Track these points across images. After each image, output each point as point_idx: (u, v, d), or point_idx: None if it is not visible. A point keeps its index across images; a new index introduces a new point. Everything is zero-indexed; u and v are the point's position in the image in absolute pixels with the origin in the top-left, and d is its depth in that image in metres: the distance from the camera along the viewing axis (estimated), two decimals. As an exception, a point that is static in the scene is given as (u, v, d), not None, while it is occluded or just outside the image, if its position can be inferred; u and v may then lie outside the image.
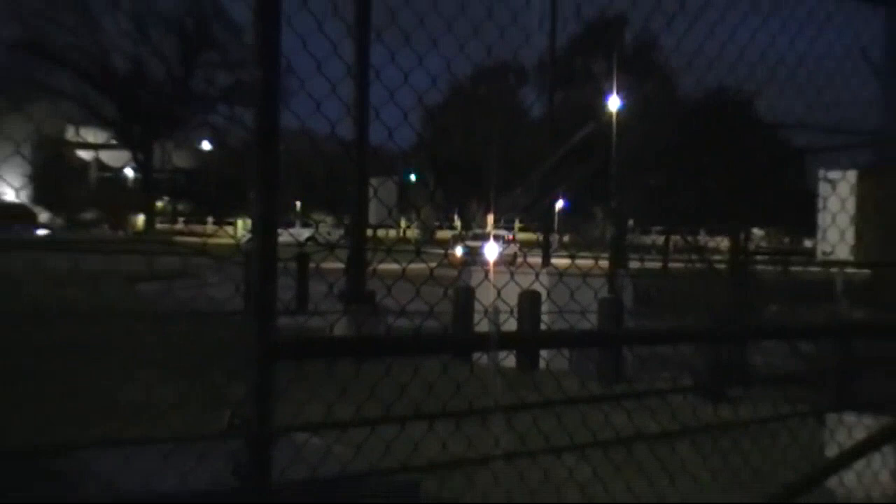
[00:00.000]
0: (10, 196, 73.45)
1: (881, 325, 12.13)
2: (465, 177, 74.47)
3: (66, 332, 20.06)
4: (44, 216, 78.92)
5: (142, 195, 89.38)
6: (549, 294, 20.16)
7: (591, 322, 18.53)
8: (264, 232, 3.48)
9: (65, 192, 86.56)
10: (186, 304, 28.24)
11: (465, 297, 21.77)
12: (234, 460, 3.54)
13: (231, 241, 67.71)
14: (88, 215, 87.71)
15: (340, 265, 24.82)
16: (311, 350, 3.89)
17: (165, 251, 49.81)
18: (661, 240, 67.73)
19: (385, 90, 4.54)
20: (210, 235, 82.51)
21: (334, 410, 8.88)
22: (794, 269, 29.07)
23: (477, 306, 21.44)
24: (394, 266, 5.58)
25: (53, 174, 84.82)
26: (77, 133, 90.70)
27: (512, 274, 16.82)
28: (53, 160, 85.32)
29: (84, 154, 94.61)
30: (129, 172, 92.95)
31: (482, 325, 21.02)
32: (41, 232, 66.28)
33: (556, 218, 62.90)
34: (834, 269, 17.13)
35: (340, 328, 21.38)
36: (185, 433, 10.47)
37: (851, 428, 10.48)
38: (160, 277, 35.08)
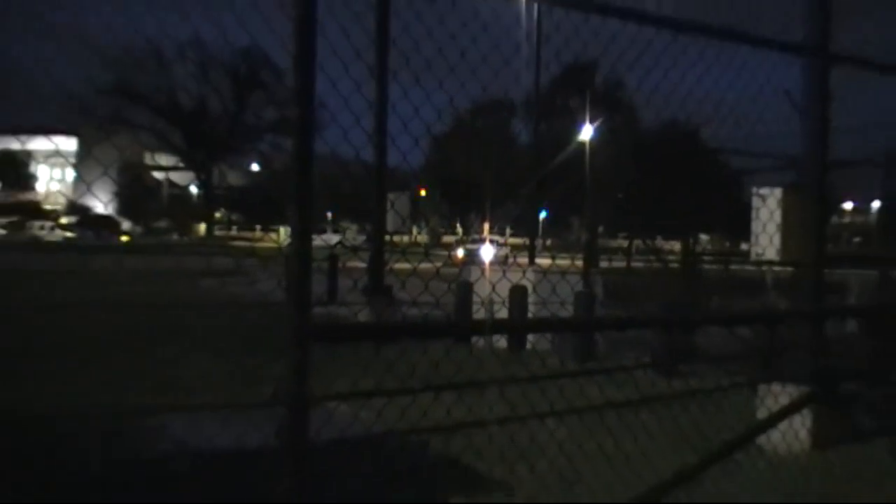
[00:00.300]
0: (100, 209, 73.68)
1: (800, 311, 12.12)
2: (466, 192, 74.42)
3: (143, 319, 20.06)
4: (126, 225, 79.02)
5: (203, 208, 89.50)
6: (534, 288, 20.18)
7: (568, 311, 18.53)
8: (301, 237, 3.47)
9: (142, 206, 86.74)
10: (239, 297, 28.25)
11: (465, 291, 21.68)
12: (278, 424, 3.53)
13: (274, 245, 67.73)
14: (161, 224, 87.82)
15: (363, 264, 24.79)
16: (340, 334, 3.87)
17: (222, 253, 49.79)
18: (625, 243, 67.76)
19: (400, 121, 4.53)
20: (258, 240, 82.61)
21: (359, 383, 8.88)
22: (732, 267, 28.99)
23: (475, 298, 21.41)
24: (407, 265, 5.56)
25: (134, 191, 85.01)
26: (152, 158, 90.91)
27: (504, 272, 16.71)
28: (134, 180, 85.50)
29: (157, 175, 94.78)
30: (193, 189, 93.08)
31: (479, 314, 21.04)
32: (124, 238, 66.35)
33: (540, 225, 62.86)
34: (764, 268, 17.10)
35: (363, 316, 21.35)
36: (238, 402, 10.48)
37: (777, 396, 10.46)
38: (218, 274, 35.01)
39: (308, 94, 3.47)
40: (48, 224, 67.81)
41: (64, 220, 70.49)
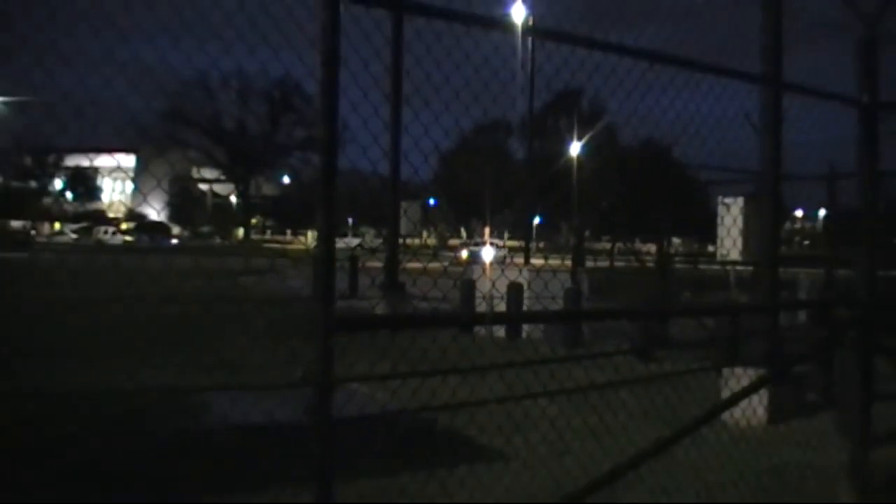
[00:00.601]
0: (153, 216, 73.86)
1: (757, 305, 12.12)
2: (469, 201, 74.41)
3: (190, 311, 20.09)
4: (176, 230, 79.16)
5: (241, 215, 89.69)
6: (529, 285, 20.17)
7: (559, 304, 18.52)
8: (326, 240, 3.46)
9: (190, 213, 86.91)
10: (272, 292, 28.29)
11: (468, 287, 21.69)
12: (306, 402, 3.52)
13: (303, 247, 67.81)
14: (205, 229, 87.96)
15: (380, 264, 24.81)
16: (360, 325, 3.86)
17: (258, 254, 49.83)
18: (608, 246, 67.69)
19: (412, 140, 4.52)
20: (289, 243, 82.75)
21: (376, 367, 8.87)
22: (700, 266, 28.95)
23: (477, 294, 21.40)
24: (418, 264, 5.56)
25: (182, 200, 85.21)
26: (198, 172, 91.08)
27: (502, 270, 16.66)
28: (182, 191, 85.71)
29: (203, 186, 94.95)
30: (233, 199, 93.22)
31: (481, 307, 21.04)
32: (174, 241, 66.49)
33: (534, 230, 62.83)
34: (728, 267, 17.08)
35: (380, 309, 21.36)
36: (271, 383, 10.48)
37: (739, 378, 10.46)
38: (254, 273, 35.07)
39: (332, 117, 3.46)
40: (111, 229, 68.05)
41: (124, 226, 70.73)
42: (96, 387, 10.76)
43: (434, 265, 5.37)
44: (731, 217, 13.95)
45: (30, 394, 9.78)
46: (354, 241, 66.71)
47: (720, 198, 14.86)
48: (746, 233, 13.74)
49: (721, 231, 14.43)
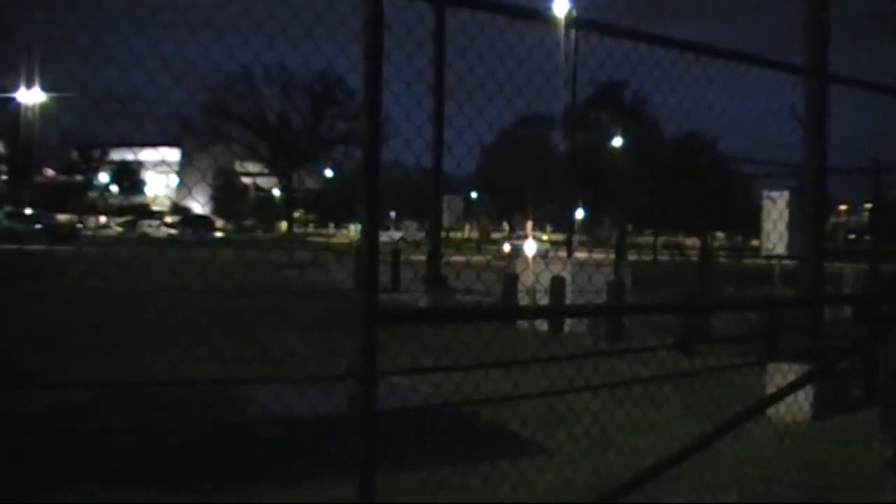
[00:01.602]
0: (198, 209, 74.47)
1: (800, 299, 11.99)
2: (511, 195, 74.29)
3: (234, 303, 20.22)
4: (220, 223, 79.75)
5: (284, 208, 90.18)
6: (572, 278, 20.10)
7: (602, 298, 18.44)
8: (369, 234, 3.46)
9: (233, 207, 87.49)
10: (316, 284, 28.39)
11: (511, 281, 21.66)
12: (349, 394, 3.54)
13: (346, 240, 68.06)
14: (249, 222, 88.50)
15: (422, 257, 24.82)
16: (403, 317, 3.87)
17: (301, 247, 50.06)
18: (651, 240, 67.32)
19: (454, 133, 4.52)
20: (332, 236, 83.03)
21: (419, 360, 8.88)
22: (745, 261, 28.69)
23: (520, 287, 21.36)
24: (460, 258, 5.56)
25: (226, 194, 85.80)
26: (242, 165, 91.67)
27: (546, 264, 16.59)
28: (226, 184, 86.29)
29: (246, 180, 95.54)
30: (276, 192, 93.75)
31: (524, 301, 21.00)
32: (218, 234, 66.96)
33: (576, 224, 62.61)
34: (773, 261, 16.92)
35: (423, 302, 21.39)
36: (315, 375, 10.53)
37: (784, 373, 10.36)
38: (297, 266, 35.17)
39: (375, 110, 3.47)
40: (155, 223, 68.63)
41: (169, 220, 71.30)
42: (140, 378, 10.86)
43: (477, 258, 5.37)
44: (776, 211, 13.81)
45: (75, 384, 9.90)
46: (397, 235, 66.85)
47: (765, 192, 14.72)
48: (792, 227, 13.60)
49: (766, 225, 14.28)
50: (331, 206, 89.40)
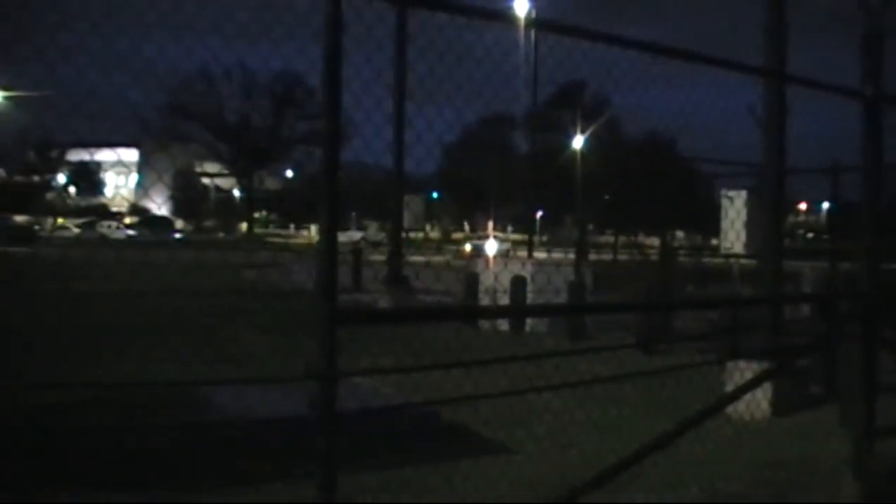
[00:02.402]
0: (156, 210, 73.94)
1: (760, 297, 12.11)
2: (473, 195, 74.35)
3: (192, 303, 20.10)
4: (179, 224, 79.16)
5: (245, 209, 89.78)
6: (532, 278, 20.15)
7: (562, 298, 18.50)
8: (329, 234, 3.46)
9: (193, 208, 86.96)
10: (275, 285, 28.28)
11: (472, 280, 21.68)
12: (310, 395, 3.53)
13: (306, 241, 67.86)
14: (209, 223, 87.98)
15: (383, 257, 24.80)
16: (363, 318, 3.87)
17: (261, 248, 49.81)
18: (611, 239, 67.67)
19: (415, 133, 4.52)
20: (292, 237, 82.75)
21: (379, 361, 8.87)
22: (704, 259, 28.92)
23: (480, 287, 21.40)
24: (421, 258, 5.56)
25: (185, 195, 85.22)
26: (201, 166, 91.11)
27: (506, 264, 16.65)
28: (185, 185, 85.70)
29: (206, 180, 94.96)
30: (236, 193, 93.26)
31: (484, 301, 21.02)
32: (177, 235, 66.50)
33: (537, 224, 62.81)
34: (731, 260, 17.08)
35: (383, 302, 21.37)
36: (275, 376, 10.48)
37: (743, 371, 10.45)
38: (257, 266, 35.03)
39: (336, 110, 3.47)
40: (114, 224, 67.97)
41: (127, 221, 70.70)
42: (99, 379, 10.75)
43: (437, 259, 5.38)
44: (734, 210, 13.93)
45: (32, 386, 9.77)
46: (357, 235, 66.74)
47: (723, 191, 14.84)
48: (749, 226, 13.72)
49: (724, 224, 14.41)
50: (291, 207, 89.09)
